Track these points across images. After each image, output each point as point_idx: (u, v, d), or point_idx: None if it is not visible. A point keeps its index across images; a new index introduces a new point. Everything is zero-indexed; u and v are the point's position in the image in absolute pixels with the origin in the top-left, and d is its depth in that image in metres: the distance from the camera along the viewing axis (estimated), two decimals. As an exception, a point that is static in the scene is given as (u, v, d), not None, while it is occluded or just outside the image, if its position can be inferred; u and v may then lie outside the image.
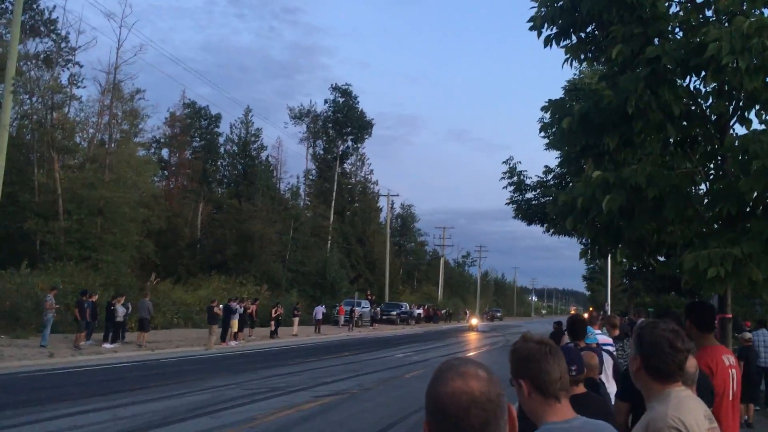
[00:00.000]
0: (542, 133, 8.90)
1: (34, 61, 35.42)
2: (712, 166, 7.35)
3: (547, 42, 7.58)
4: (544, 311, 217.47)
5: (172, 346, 24.34)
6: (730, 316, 6.82)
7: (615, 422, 3.95)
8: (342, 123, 67.95)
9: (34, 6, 36.27)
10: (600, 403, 3.87)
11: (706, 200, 6.72)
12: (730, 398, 4.16)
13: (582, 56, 7.68)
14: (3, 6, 35.07)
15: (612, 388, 5.96)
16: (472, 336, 48.31)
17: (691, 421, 2.46)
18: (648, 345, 2.60)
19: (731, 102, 6.77)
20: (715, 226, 6.65)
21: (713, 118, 6.95)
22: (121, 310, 23.95)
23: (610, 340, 9.33)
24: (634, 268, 27.02)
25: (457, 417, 1.45)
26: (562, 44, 7.59)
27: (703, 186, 7.23)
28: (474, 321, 64.22)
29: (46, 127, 33.27)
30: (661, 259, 8.67)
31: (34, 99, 34.28)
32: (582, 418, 2.23)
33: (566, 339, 6.54)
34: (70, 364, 18.37)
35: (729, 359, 4.29)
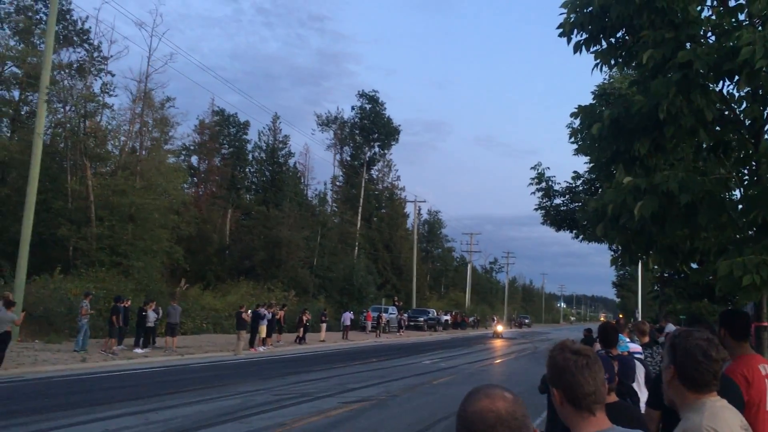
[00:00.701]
0: (571, 139, 8.86)
1: (67, 71, 36.14)
2: (746, 171, 7.23)
3: (577, 48, 7.54)
4: (572, 318, 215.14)
5: (202, 352, 24.57)
6: (766, 324, 6.69)
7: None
8: (369, 129, 68.16)
9: (68, 17, 37.01)
10: (632, 413, 3.83)
11: (740, 206, 6.62)
12: (767, 408, 4.07)
13: (612, 61, 7.62)
14: (38, 17, 35.87)
15: (644, 396, 5.89)
16: (499, 343, 47.94)
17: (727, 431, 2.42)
18: (682, 354, 2.57)
19: (765, 106, 6.66)
20: (750, 232, 6.54)
21: (747, 123, 6.84)
22: (152, 316, 24.26)
23: (639, 348, 9.23)
24: (666, 275, 26.63)
25: None
26: (592, 50, 7.55)
27: (737, 192, 7.12)
28: (500, 328, 61.94)
29: (79, 135, 33.88)
30: (694, 266, 8.54)
31: (67, 107, 34.95)
32: (617, 428, 2.19)
33: (597, 347, 6.47)
34: (103, 369, 18.64)
35: (765, 368, 4.21)
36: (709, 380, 2.53)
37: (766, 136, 6.89)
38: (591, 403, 2.15)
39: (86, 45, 37.89)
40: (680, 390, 2.59)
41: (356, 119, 68.68)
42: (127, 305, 23.41)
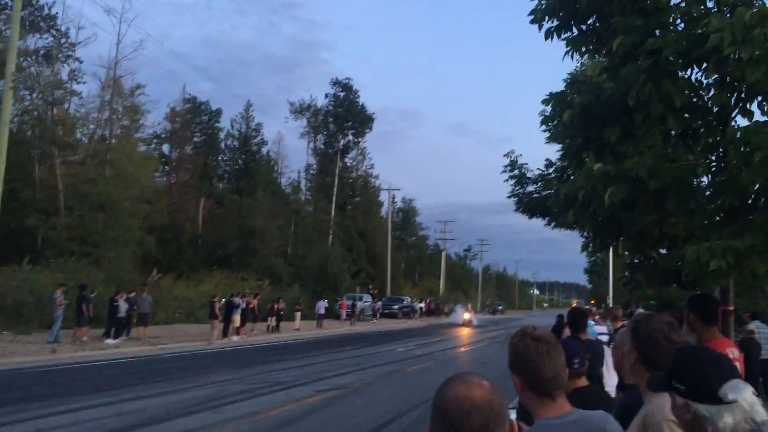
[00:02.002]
0: (543, 126, 8.88)
1: (34, 57, 35.40)
2: (714, 158, 7.32)
3: (548, 35, 7.56)
4: (545, 304, 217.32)
5: (175, 342, 24.38)
6: (732, 308, 6.81)
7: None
8: (343, 117, 67.80)
9: (34, 2, 36.21)
10: (602, 396, 3.87)
11: (708, 192, 6.71)
12: (734, 393, 4.13)
13: (583, 48, 7.66)
14: (3, 2, 35.05)
15: (613, 380, 5.96)
16: (471, 330, 48.13)
17: None
18: (644, 338, 2.61)
19: (733, 94, 6.74)
20: (717, 218, 6.64)
21: (715, 109, 6.92)
22: (123, 306, 23.98)
23: (604, 329, 9.39)
24: (636, 261, 26.94)
25: (458, 420, 1.53)
26: (563, 37, 7.57)
27: (705, 178, 7.22)
28: (467, 315, 55.91)
29: (47, 123, 33.25)
30: (664, 251, 8.66)
31: (34, 95, 34.23)
32: (578, 411, 2.23)
33: (567, 332, 6.54)
34: (74, 360, 18.40)
35: (733, 353, 4.28)
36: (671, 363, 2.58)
37: (733, 123, 6.98)
38: (551, 388, 2.18)
39: (53, 31, 37.14)
40: (642, 373, 2.63)
41: (330, 107, 68.23)
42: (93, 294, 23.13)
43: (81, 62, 37.84)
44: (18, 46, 27.14)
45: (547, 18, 7.52)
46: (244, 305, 28.41)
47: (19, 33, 26.71)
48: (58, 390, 12.89)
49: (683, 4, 7.04)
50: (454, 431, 1.53)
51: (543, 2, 7.44)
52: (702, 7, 6.87)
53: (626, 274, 36.04)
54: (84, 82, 40.11)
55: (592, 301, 65.72)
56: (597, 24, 7.48)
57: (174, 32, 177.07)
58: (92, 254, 31.89)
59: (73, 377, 15.04)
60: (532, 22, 7.59)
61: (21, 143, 33.32)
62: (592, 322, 9.12)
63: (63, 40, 37.29)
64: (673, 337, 2.58)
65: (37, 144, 33.48)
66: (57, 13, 37.32)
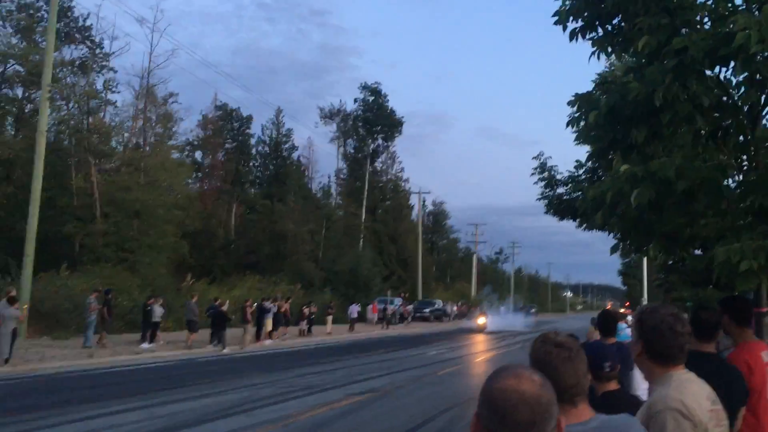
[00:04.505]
0: (570, 127, 8.75)
1: (69, 68, 36.19)
2: (745, 157, 7.19)
3: (573, 36, 7.47)
4: (579, 307, 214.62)
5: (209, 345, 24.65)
6: (765, 309, 6.66)
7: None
8: (372, 122, 67.96)
9: (69, 14, 37.04)
10: (633, 401, 3.83)
11: (738, 192, 6.59)
12: (768, 396, 4.05)
13: (609, 49, 7.57)
14: (39, 15, 35.91)
15: (645, 384, 5.90)
16: (499, 334, 47.63)
17: (693, 403, 2.46)
18: (649, 329, 2.63)
19: (763, 92, 6.61)
20: (748, 218, 6.51)
21: (745, 108, 6.79)
22: (158, 311, 24.32)
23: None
24: (670, 263, 26.54)
25: (504, 412, 1.52)
26: (588, 37, 7.49)
27: (737, 178, 7.08)
28: (481, 320, 49.63)
29: (83, 132, 33.94)
30: (698, 252, 8.52)
31: (70, 105, 34.99)
32: (601, 417, 2.20)
33: (596, 335, 6.49)
34: (109, 364, 18.74)
35: (767, 356, 4.19)
36: (676, 354, 2.59)
37: (764, 123, 6.85)
38: (573, 395, 2.16)
39: (88, 42, 37.97)
40: (648, 364, 2.64)
41: (359, 112, 68.48)
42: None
43: (115, 72, 38.64)
44: (54, 57, 27.81)
45: (571, 19, 7.44)
46: (275, 309, 28.63)
47: (55, 44, 27.37)
48: (94, 394, 13.14)
49: (710, 2, 6.93)
50: (500, 423, 1.52)
51: (567, 3, 7.37)
52: (729, 5, 6.75)
53: (660, 275, 35.45)
54: (118, 92, 40.98)
55: (627, 304, 64.78)
56: (622, 24, 7.39)
57: (205, 41, 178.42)
58: (128, 260, 32.46)
59: (108, 381, 15.32)
60: (556, 23, 7.52)
61: (58, 152, 34.07)
62: (624, 325, 9.02)
63: (97, 51, 38.12)
64: (678, 327, 2.58)
65: (73, 153, 34.19)
66: (91, 24, 38.25)
